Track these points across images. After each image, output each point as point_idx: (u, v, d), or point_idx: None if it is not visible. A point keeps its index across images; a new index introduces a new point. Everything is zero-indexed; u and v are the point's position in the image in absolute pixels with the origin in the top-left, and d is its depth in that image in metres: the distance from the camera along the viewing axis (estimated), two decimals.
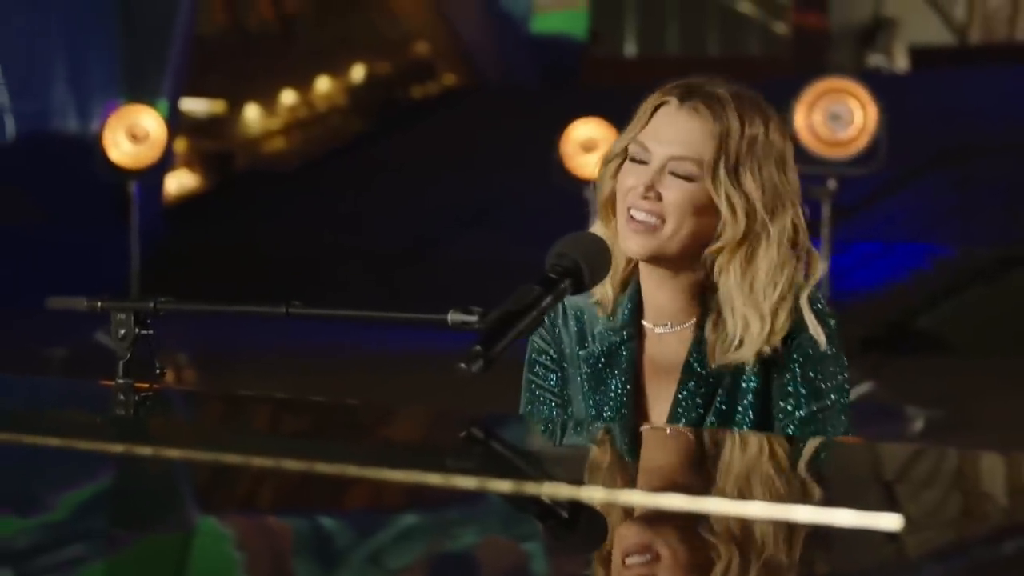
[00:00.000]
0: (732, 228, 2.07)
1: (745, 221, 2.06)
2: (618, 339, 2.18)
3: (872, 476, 1.67)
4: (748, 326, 2.08)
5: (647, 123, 2.13)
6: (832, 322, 2.14)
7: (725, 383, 2.13)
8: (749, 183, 2.06)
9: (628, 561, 1.26)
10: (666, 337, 2.17)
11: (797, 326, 2.12)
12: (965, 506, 1.49)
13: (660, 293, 2.16)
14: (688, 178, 2.07)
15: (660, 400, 2.17)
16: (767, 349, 2.09)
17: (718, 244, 2.08)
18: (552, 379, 2.25)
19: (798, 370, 2.12)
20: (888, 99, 9.48)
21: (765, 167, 2.07)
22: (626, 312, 2.19)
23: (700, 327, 2.14)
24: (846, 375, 2.16)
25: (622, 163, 2.15)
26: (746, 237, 2.07)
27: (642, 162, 2.11)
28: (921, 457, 1.84)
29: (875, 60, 28.18)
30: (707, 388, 2.13)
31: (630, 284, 2.20)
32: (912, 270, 14.06)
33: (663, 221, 2.08)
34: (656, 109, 2.13)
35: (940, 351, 12.88)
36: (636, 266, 2.19)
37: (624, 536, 1.34)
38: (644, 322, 2.19)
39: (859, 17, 28.84)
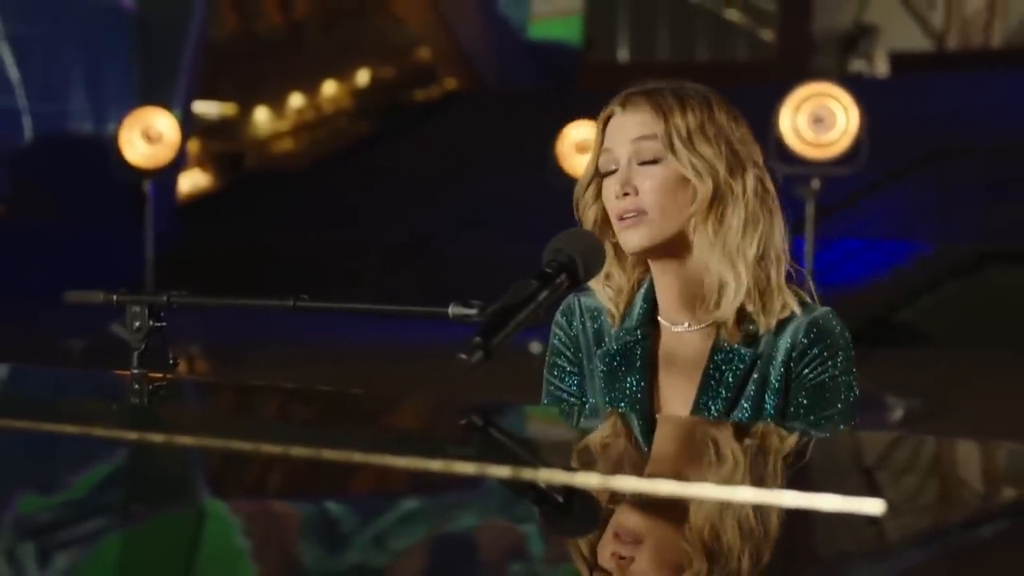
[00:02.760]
0: (701, 190, 2.08)
1: (711, 182, 2.08)
2: (633, 338, 2.17)
3: (854, 463, 1.66)
4: (724, 284, 2.09)
5: (603, 138, 2.17)
6: (847, 334, 2.13)
7: (748, 391, 2.10)
8: (705, 148, 2.09)
9: (616, 544, 1.26)
10: (685, 336, 2.16)
11: (795, 312, 2.11)
12: (943, 492, 1.49)
13: (673, 289, 2.15)
14: (654, 160, 2.10)
15: (678, 400, 2.15)
16: (752, 309, 2.09)
17: (692, 209, 2.09)
18: (570, 380, 2.23)
19: (808, 386, 2.10)
20: (869, 103, 9.48)
21: (717, 135, 2.10)
22: (641, 312, 2.17)
23: (720, 325, 2.12)
24: (854, 386, 2.13)
25: (599, 185, 2.17)
26: (714, 198, 2.09)
27: (613, 171, 2.14)
28: (900, 445, 1.84)
29: (857, 65, 28.19)
30: (730, 392, 2.11)
31: (643, 285, 2.19)
32: (892, 266, 14.08)
33: (646, 210, 2.09)
34: (606, 123, 2.17)
35: (919, 343, 12.90)
36: (647, 269, 2.18)
37: (612, 520, 1.34)
38: (660, 319, 2.17)
39: (841, 24, 28.83)
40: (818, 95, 9.32)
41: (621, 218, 2.11)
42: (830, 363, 2.10)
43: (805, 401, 2.10)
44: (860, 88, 10.31)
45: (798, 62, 25.88)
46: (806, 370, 2.10)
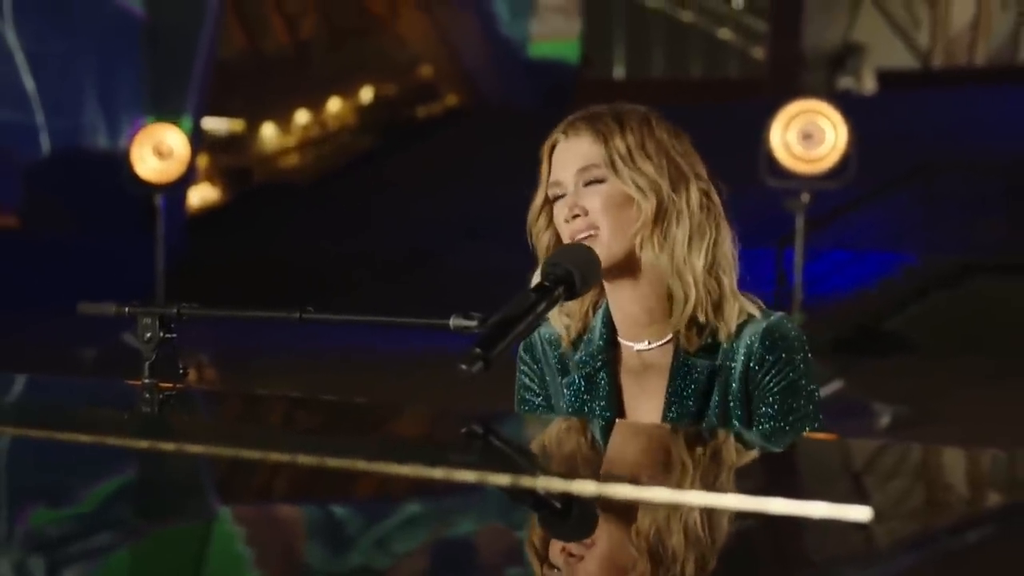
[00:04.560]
0: (645, 206, 2.08)
1: (654, 197, 2.08)
2: (596, 364, 2.15)
3: (841, 469, 1.66)
4: (673, 295, 2.09)
5: (549, 166, 2.17)
6: (801, 336, 2.12)
7: (712, 402, 2.10)
8: (646, 166, 2.10)
9: (604, 550, 1.26)
10: (646, 354, 2.15)
11: (751, 319, 2.10)
12: (929, 497, 1.49)
13: (629, 308, 2.14)
14: (599, 180, 2.11)
15: (646, 419, 2.13)
16: (704, 319, 2.08)
17: (638, 225, 2.09)
18: (538, 413, 2.22)
19: (771, 392, 2.09)
20: (857, 119, 9.50)
21: (657, 151, 2.11)
22: (601, 337, 2.16)
23: (678, 337, 2.11)
24: (815, 387, 2.12)
25: (550, 211, 2.17)
26: (659, 212, 2.09)
27: (561, 196, 2.14)
28: (887, 451, 1.84)
29: (845, 83, 28.20)
30: (694, 406, 2.10)
31: (600, 308, 2.18)
32: (880, 277, 14.09)
33: (598, 228, 2.09)
34: (551, 152, 2.18)
35: (905, 351, 12.91)
36: (601, 291, 2.18)
37: (602, 527, 1.34)
38: (621, 340, 2.16)
39: (830, 43, 28.85)
40: (808, 111, 9.34)
41: (574, 239, 2.10)
42: (789, 368, 2.09)
43: (771, 409, 2.09)
44: (848, 105, 10.33)
45: (788, 79, 25.86)
46: (767, 377, 2.09)
